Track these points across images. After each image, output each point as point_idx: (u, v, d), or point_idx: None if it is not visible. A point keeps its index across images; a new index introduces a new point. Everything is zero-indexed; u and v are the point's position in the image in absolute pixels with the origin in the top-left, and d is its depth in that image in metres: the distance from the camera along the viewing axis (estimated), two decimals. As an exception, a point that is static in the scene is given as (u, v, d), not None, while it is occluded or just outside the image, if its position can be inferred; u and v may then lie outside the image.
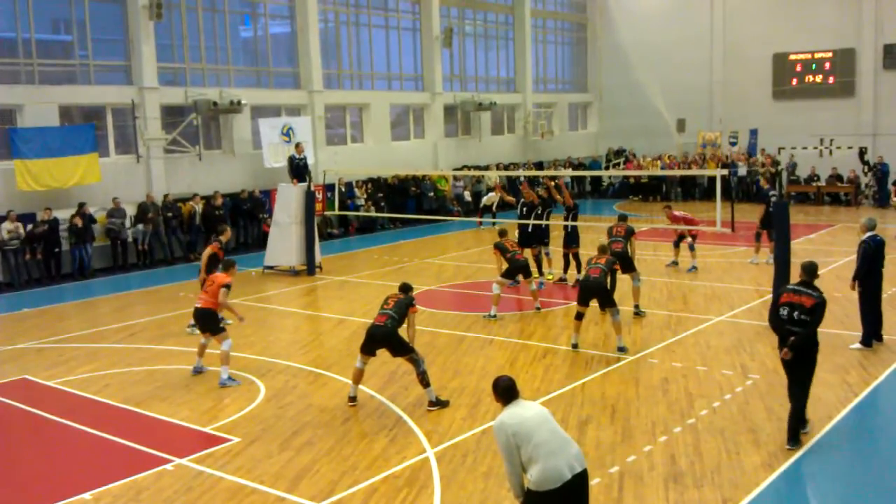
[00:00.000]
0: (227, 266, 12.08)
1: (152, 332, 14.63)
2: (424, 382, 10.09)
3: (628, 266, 14.56)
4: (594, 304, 12.62)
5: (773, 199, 18.42)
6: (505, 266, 14.66)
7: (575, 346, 12.42)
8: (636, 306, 14.48)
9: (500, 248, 14.71)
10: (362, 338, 10.31)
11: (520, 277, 15.12)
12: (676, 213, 18.68)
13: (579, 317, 12.42)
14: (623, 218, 15.55)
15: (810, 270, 8.88)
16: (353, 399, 10.38)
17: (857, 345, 12.04)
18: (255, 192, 24.35)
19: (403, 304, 10.23)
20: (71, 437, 9.73)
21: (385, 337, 10.05)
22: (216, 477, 8.36)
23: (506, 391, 5.99)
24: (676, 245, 18.83)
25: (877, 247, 11.90)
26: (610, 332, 13.10)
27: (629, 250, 14.68)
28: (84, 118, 21.83)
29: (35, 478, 8.65)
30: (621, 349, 12.17)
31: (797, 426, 8.68)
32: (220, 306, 11.55)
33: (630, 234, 14.74)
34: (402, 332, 10.20)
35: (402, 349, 10.13)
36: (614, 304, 12.38)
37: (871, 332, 12.07)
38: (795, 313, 8.52)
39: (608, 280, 12.79)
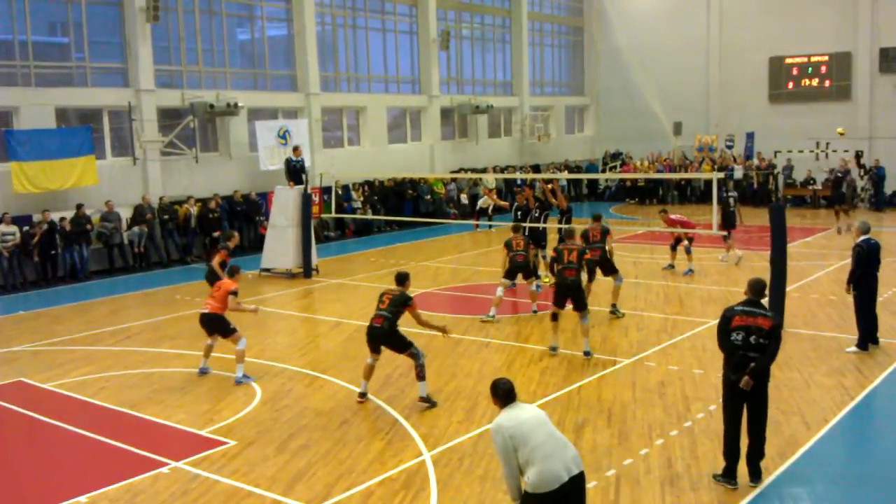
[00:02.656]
0: (232, 272, 12.24)
1: (148, 334, 14.61)
2: (420, 376, 10.19)
3: (609, 268, 14.70)
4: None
5: (732, 199, 19.77)
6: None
7: (554, 349, 12.36)
8: (613, 305, 14.52)
9: (507, 246, 14.79)
10: (359, 340, 10.35)
11: (519, 278, 15.11)
12: (672, 216, 18.70)
13: (555, 318, 12.35)
14: (597, 218, 15.37)
15: (759, 288, 8.05)
16: (363, 395, 10.48)
17: (853, 348, 12.04)
18: (250, 194, 24.34)
19: (398, 301, 10.16)
20: (67, 440, 9.70)
21: (383, 337, 10.16)
22: (212, 480, 8.35)
23: (505, 394, 5.99)
24: (673, 248, 18.84)
25: (870, 250, 11.88)
26: (606, 335, 13.14)
27: (608, 251, 14.73)
28: (80, 120, 21.79)
29: (31, 481, 8.63)
30: (587, 353, 12.06)
31: (759, 459, 7.90)
32: (232, 311, 11.75)
33: (605, 234, 14.80)
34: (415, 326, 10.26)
35: (401, 345, 10.22)
36: (586, 307, 12.29)
37: (867, 336, 12.08)
38: (752, 337, 7.67)
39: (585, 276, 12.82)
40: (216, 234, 21.78)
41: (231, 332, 11.66)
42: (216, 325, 11.72)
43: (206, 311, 11.74)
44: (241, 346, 11.58)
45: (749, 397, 7.75)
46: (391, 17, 30.73)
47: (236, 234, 15.05)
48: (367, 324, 10.41)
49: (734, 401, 7.82)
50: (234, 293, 11.69)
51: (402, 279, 10.52)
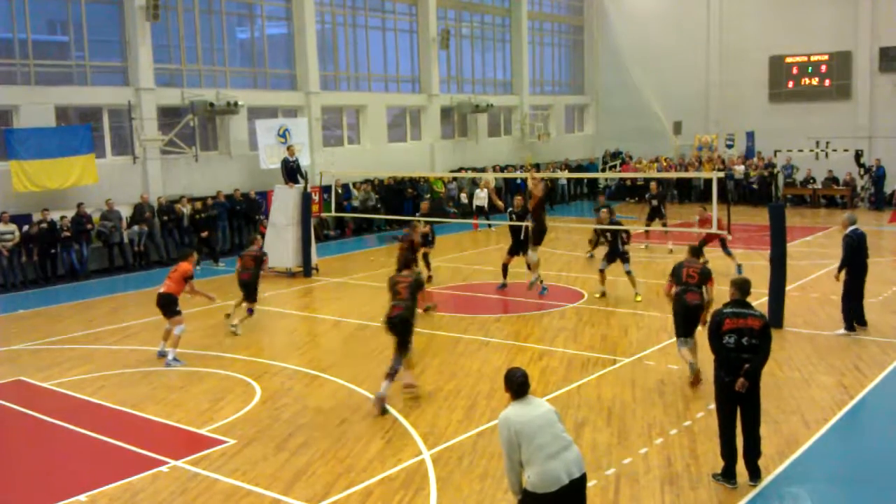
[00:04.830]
0: (186, 255, 13.00)
1: (148, 333, 14.58)
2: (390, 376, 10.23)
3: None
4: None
5: (654, 199, 22.20)
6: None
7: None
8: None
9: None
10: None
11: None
12: (709, 214, 18.29)
13: None
14: (695, 252, 11.49)
15: (745, 288, 7.94)
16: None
17: (842, 331, 12.84)
18: (250, 192, 24.32)
19: (414, 287, 10.56)
20: (66, 438, 9.70)
21: (401, 325, 10.30)
22: (212, 479, 8.34)
23: (519, 386, 5.94)
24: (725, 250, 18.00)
25: (859, 239, 12.68)
26: (607, 335, 13.14)
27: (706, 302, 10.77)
28: (80, 119, 21.78)
29: (30, 480, 8.62)
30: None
31: (757, 458, 7.89)
32: (188, 293, 12.49)
33: (706, 279, 10.70)
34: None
35: (407, 338, 10.36)
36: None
37: (853, 318, 12.91)
38: (745, 339, 7.65)
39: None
40: (204, 234, 21.59)
41: (175, 313, 12.39)
42: (168, 304, 12.42)
43: (163, 290, 12.47)
44: (179, 331, 12.32)
45: (742, 397, 7.75)
46: (391, 15, 30.71)
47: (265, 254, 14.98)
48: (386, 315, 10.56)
49: (728, 402, 7.82)
50: (191, 277, 12.42)
51: (407, 263, 11.19)
